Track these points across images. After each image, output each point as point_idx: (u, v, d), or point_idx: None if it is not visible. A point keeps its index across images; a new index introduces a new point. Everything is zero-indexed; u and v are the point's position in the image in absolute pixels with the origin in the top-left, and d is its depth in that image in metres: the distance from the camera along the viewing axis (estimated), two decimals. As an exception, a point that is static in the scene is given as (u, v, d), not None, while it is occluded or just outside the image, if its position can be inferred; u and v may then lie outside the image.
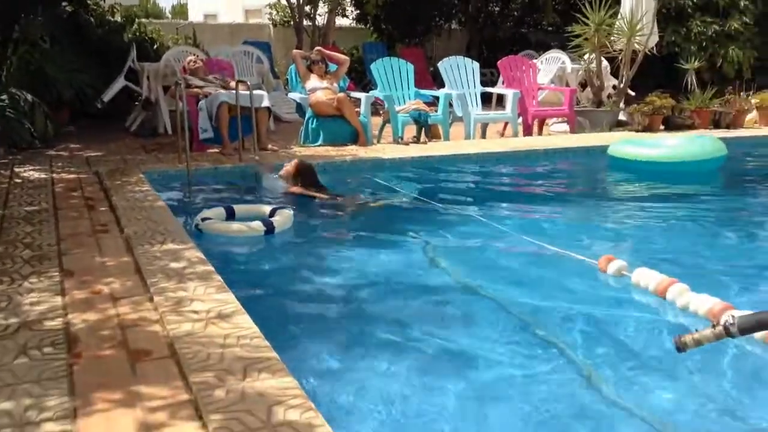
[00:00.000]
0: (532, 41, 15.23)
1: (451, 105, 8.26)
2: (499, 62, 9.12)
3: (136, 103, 8.95)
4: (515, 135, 8.43)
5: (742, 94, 9.24)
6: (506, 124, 8.83)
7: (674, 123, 8.72)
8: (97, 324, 2.56)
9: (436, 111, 8.09)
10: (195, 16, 26.57)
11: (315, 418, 1.89)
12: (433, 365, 2.75)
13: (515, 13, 16.81)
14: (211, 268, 3.17)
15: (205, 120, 6.74)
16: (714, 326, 1.93)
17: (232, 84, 6.95)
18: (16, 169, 5.70)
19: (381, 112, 8.56)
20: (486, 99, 9.06)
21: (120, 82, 8.57)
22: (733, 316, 1.84)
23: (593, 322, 3.17)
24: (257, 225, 4.22)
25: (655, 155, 6.32)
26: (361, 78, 13.10)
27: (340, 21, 15.73)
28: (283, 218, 4.35)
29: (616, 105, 9.08)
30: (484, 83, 9.05)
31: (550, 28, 15.63)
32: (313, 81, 7.56)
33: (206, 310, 2.66)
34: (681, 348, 1.98)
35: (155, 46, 10.81)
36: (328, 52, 8.09)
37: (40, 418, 1.92)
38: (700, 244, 4.51)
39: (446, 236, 4.59)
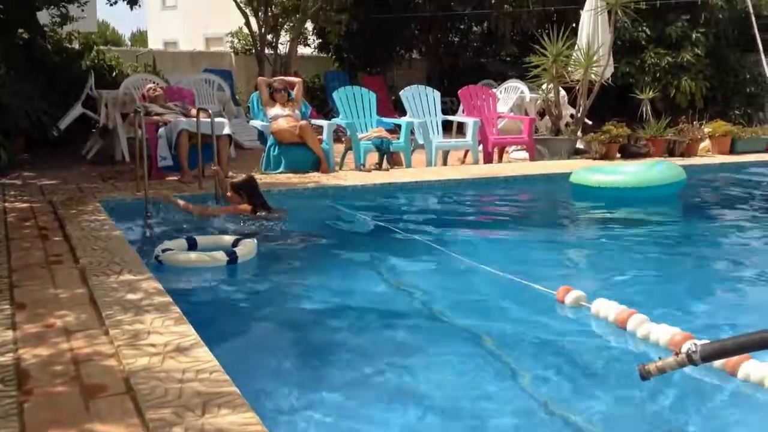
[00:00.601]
0: (491, 71, 15.49)
1: (412, 133, 8.32)
2: (459, 91, 9.24)
3: (93, 130, 8.80)
4: (476, 162, 8.52)
5: (695, 123, 9.52)
6: (467, 151, 8.92)
7: (630, 151, 8.93)
8: (49, 359, 2.47)
9: (398, 138, 8.14)
10: (155, 43, 26.40)
11: (277, 454, 1.84)
12: (395, 395, 2.71)
13: (474, 43, 17.12)
14: (169, 299, 3.09)
15: (165, 148, 6.65)
16: (677, 354, 1.94)
17: (193, 112, 6.89)
18: (-33, 198, 5.53)
19: (343, 139, 8.57)
20: (446, 127, 9.15)
21: (77, 110, 8.43)
22: (695, 344, 1.85)
23: (553, 353, 3.16)
24: (220, 255, 4.14)
25: (617, 181, 6.44)
26: (323, 106, 13.13)
27: (302, 50, 15.80)
28: (247, 248, 4.28)
29: (573, 133, 9.26)
30: (444, 111, 9.15)
31: (508, 59, 15.93)
32: (275, 109, 7.55)
33: (164, 343, 2.58)
34: (645, 376, 1.99)
35: (114, 74, 10.68)
36: (287, 78, 8.13)
37: (-15, 461, 1.83)
38: (661, 270, 4.57)
39: (408, 263, 4.58)
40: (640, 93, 10.20)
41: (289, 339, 3.30)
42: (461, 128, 10.03)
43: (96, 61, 10.69)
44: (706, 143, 9.45)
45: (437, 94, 8.90)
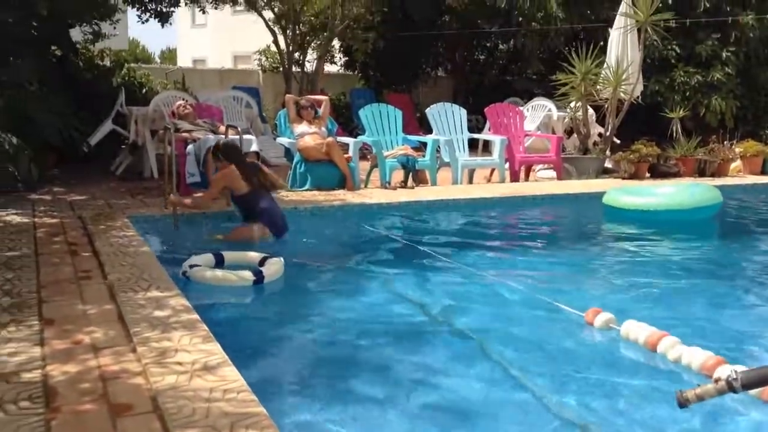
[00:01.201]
0: (518, 89, 15.44)
1: (438, 150, 8.30)
2: (486, 109, 9.21)
3: (123, 146, 8.91)
4: (502, 181, 8.46)
5: (725, 143, 9.37)
6: (493, 170, 8.86)
7: (660, 171, 8.81)
8: (77, 376, 2.46)
9: (423, 156, 8.12)
10: (184, 61, 26.79)
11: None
12: (423, 415, 2.68)
13: (501, 61, 17.08)
14: (196, 316, 3.09)
15: (193, 164, 6.69)
16: (716, 381, 1.88)
17: (222, 128, 6.95)
18: (-2, 213, 5.61)
19: (368, 156, 8.58)
20: (472, 145, 9.12)
21: (107, 126, 8.54)
22: (735, 371, 1.79)
23: (582, 375, 3.09)
24: (246, 274, 4.12)
25: (652, 204, 6.32)
26: (348, 123, 13.18)
27: (329, 67, 15.90)
28: (274, 268, 4.26)
29: (602, 152, 9.16)
30: (470, 129, 9.12)
31: (534, 76, 15.87)
32: (302, 126, 7.59)
33: (191, 361, 2.57)
34: (683, 403, 1.92)
35: (144, 91, 10.84)
36: (314, 97, 8.19)
37: (13, 480, 1.82)
38: (694, 294, 4.45)
39: (433, 282, 4.54)
40: (670, 112, 10.07)
41: (315, 358, 3.27)
42: (487, 146, 9.99)
43: (126, 78, 10.87)
44: (737, 163, 9.29)
45: (463, 112, 8.87)
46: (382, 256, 5.27)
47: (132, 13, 10.83)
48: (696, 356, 3.06)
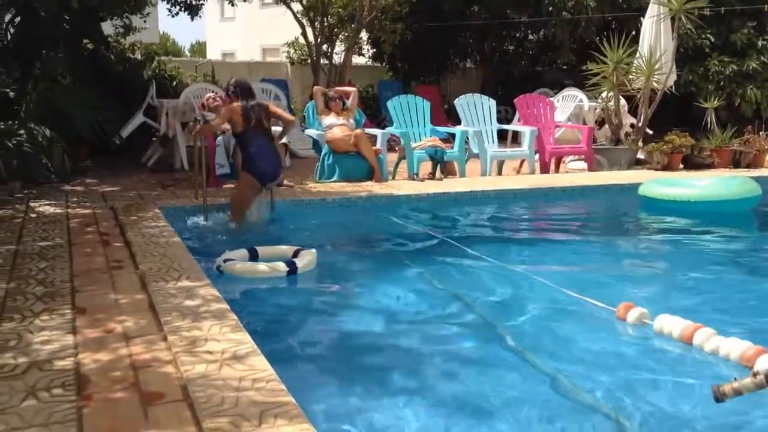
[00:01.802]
0: (547, 79, 15.27)
1: (467, 142, 8.23)
2: (516, 100, 9.11)
3: (154, 139, 9.00)
4: (532, 172, 8.37)
5: (761, 133, 9.15)
6: (522, 161, 8.78)
7: (694, 162, 8.63)
8: (108, 364, 2.48)
9: (451, 148, 8.06)
10: (213, 54, 26.98)
11: (334, 469, 1.80)
12: (452, 407, 2.65)
13: (530, 51, 16.90)
14: (226, 306, 3.10)
15: (222, 156, 6.73)
16: (755, 375, 1.83)
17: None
18: (32, 204, 5.70)
19: (396, 148, 8.55)
20: (501, 136, 9.03)
21: (139, 118, 8.64)
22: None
23: (615, 371, 3.03)
24: (280, 266, 4.13)
25: (690, 195, 6.19)
26: (375, 115, 13.16)
27: (357, 59, 15.88)
28: (307, 259, 4.27)
29: (634, 143, 9.01)
30: (498, 120, 9.04)
31: (564, 67, 15.67)
32: (330, 118, 7.59)
33: (221, 350, 2.58)
34: (719, 398, 1.88)
35: (174, 83, 10.93)
36: (342, 88, 8.19)
37: (46, 465, 1.84)
38: (731, 288, 4.34)
39: (463, 274, 4.50)
40: (704, 102, 9.87)
41: (345, 349, 3.26)
42: (516, 137, 9.88)
43: (157, 71, 10.96)
44: (773, 154, 9.07)
45: (493, 103, 8.79)
46: (411, 248, 5.24)
47: (162, 7, 10.94)
48: (735, 347, 2.98)
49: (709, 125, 9.41)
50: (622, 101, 9.63)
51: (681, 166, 8.59)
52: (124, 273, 3.69)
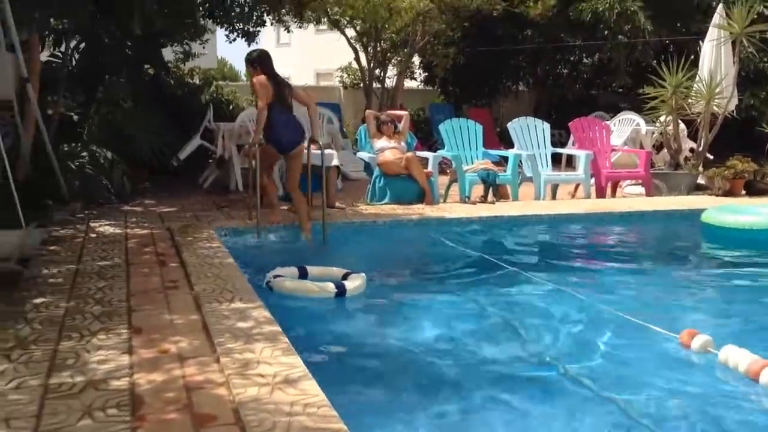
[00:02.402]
0: (602, 103, 15.03)
1: (520, 165, 8.14)
2: (570, 123, 8.98)
3: (210, 161, 9.17)
4: (587, 197, 8.20)
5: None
6: (578, 185, 8.62)
7: (757, 188, 8.33)
8: (162, 385, 2.50)
9: (504, 171, 7.98)
10: (268, 78, 27.48)
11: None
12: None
13: (585, 75, 16.69)
14: (278, 328, 3.09)
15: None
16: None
17: (304, 144, 7.03)
18: (92, 224, 5.85)
19: (448, 171, 8.51)
20: (555, 160, 8.91)
21: (196, 141, 8.82)
22: None
23: (677, 401, 2.91)
24: (329, 286, 4.13)
25: (756, 223, 5.93)
26: (427, 138, 13.15)
27: (409, 83, 15.96)
28: (356, 282, 4.26)
29: (694, 168, 8.76)
30: (552, 144, 8.91)
31: (620, 90, 15.41)
32: (382, 141, 7.61)
33: (272, 374, 2.57)
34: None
35: (231, 107, 11.16)
36: (394, 112, 8.26)
37: (100, 486, 1.84)
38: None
39: (516, 299, 4.42)
40: (767, 126, 9.53)
41: (396, 375, 3.22)
42: (570, 162, 9.75)
43: (214, 95, 11.22)
44: (841, 181, 8.69)
45: (547, 126, 8.68)
46: (462, 272, 5.18)
47: (220, 33, 11.20)
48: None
49: (772, 150, 9.09)
50: (682, 125, 9.40)
51: (743, 192, 8.30)
52: (179, 293, 3.74)
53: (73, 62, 8.44)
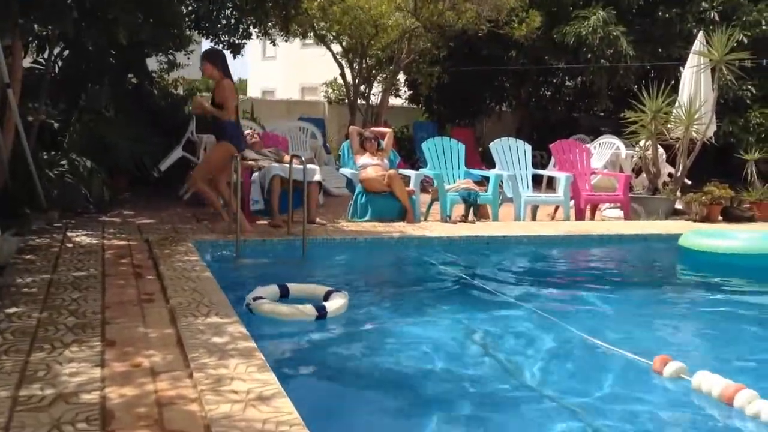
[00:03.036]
0: (584, 125, 15.21)
1: (501, 185, 8.19)
2: (552, 145, 9.07)
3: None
4: (567, 219, 8.27)
5: (804, 187, 8.95)
6: (557, 207, 8.69)
7: (733, 214, 8.46)
8: (134, 399, 2.47)
9: (485, 191, 8.03)
10: (254, 91, 27.50)
11: None
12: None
13: (567, 98, 16.89)
14: (253, 344, 3.07)
15: (257, 191, 6.81)
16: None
17: (287, 158, 7.04)
18: (69, 234, 5.78)
19: (429, 189, 8.54)
20: (536, 181, 8.98)
21: (177, 152, 8.78)
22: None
23: (651, 427, 2.93)
24: (309, 309, 4.07)
25: (734, 248, 5.99)
26: (409, 156, 13.21)
27: (393, 100, 16.04)
28: (338, 303, 4.20)
29: (672, 193, 8.87)
30: (533, 165, 8.99)
31: (602, 114, 15.61)
32: (365, 157, 7.63)
33: (246, 390, 2.55)
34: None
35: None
36: (377, 129, 8.29)
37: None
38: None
39: (494, 321, 4.42)
40: (744, 154, 9.70)
41: (373, 397, 3.20)
42: (551, 183, 9.82)
43: (197, 107, 11.16)
44: (817, 209, 8.84)
45: (528, 147, 8.76)
46: (442, 291, 5.19)
47: (206, 45, 11.19)
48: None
49: (749, 177, 9.24)
50: (661, 150, 9.53)
51: (720, 218, 8.42)
52: (155, 306, 3.70)
53: (56, 69, 8.39)
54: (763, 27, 12.10)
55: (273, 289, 4.39)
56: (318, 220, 6.95)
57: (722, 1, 12.22)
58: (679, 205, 8.93)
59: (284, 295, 4.40)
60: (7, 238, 5.21)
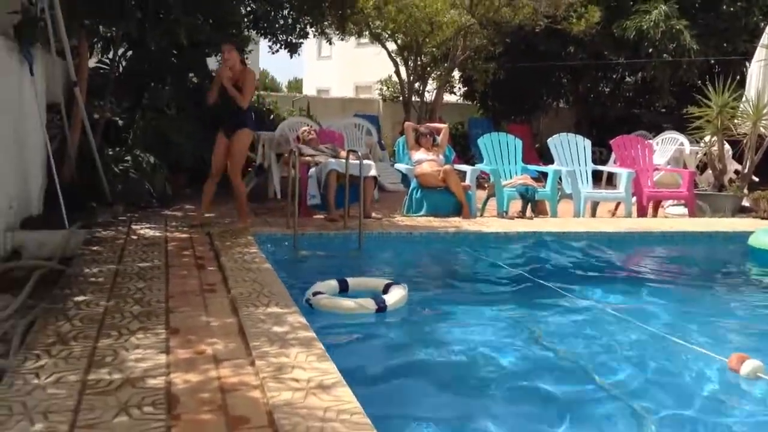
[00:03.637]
0: (645, 122, 14.83)
1: (559, 182, 8.04)
2: (612, 141, 8.87)
3: (250, 169, 9.26)
4: (628, 215, 8.06)
5: None
6: (618, 204, 8.49)
7: (804, 211, 8.10)
8: (198, 385, 2.51)
9: (543, 187, 7.90)
10: (309, 91, 27.77)
11: None
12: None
13: (627, 93, 16.49)
14: (313, 334, 3.09)
15: (314, 187, 6.86)
16: None
17: (343, 153, 7.08)
18: (134, 227, 5.94)
19: (485, 185, 8.45)
20: (596, 177, 8.78)
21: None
22: None
23: (725, 427, 2.82)
24: (369, 303, 4.06)
25: None
26: (464, 152, 13.12)
27: (448, 97, 15.96)
28: (397, 296, 4.19)
29: (739, 190, 8.56)
30: (593, 162, 8.80)
31: (663, 110, 15.19)
32: (420, 153, 7.60)
33: (307, 378, 2.56)
34: None
35: (272, 117, 11.27)
36: (433, 125, 8.25)
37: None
38: None
39: (556, 317, 4.33)
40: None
41: (431, 389, 3.16)
42: (611, 179, 9.60)
43: (256, 105, 11.34)
44: None
45: (588, 143, 8.58)
46: (499, 287, 5.11)
47: (264, 44, 11.35)
48: None
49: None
50: (727, 146, 9.20)
51: (790, 215, 8.08)
52: (217, 296, 3.76)
53: (120, 69, 8.63)
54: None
55: (332, 283, 4.39)
56: (374, 214, 6.97)
57: (791, -8, 11.76)
58: (746, 203, 8.61)
59: (344, 290, 4.40)
60: (75, 230, 5.39)
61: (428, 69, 14.30)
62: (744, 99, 8.98)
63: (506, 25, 12.43)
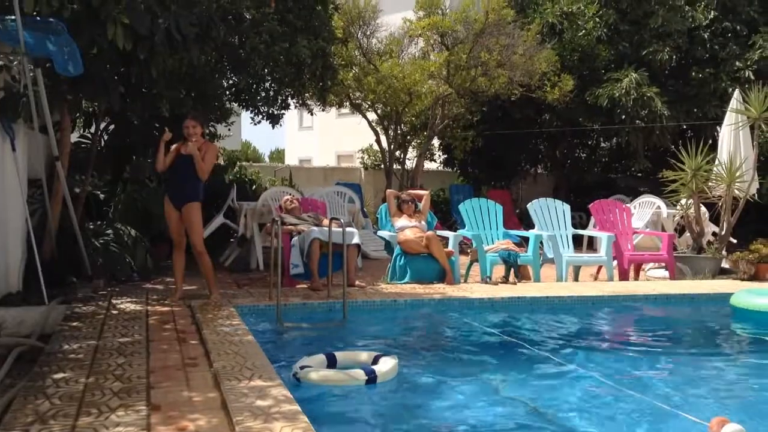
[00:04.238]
0: (622, 186, 15.10)
1: (541, 246, 8.11)
2: (591, 205, 9.00)
3: (232, 240, 9.25)
4: (610, 279, 8.11)
5: None
6: (600, 267, 8.55)
7: (783, 272, 8.20)
8: (180, 464, 2.44)
9: (525, 251, 7.95)
10: (291, 160, 28.07)
11: None
12: None
13: (603, 159, 16.84)
14: (297, 407, 3.03)
15: (297, 256, 6.85)
16: None
17: (325, 222, 7.11)
18: (114, 301, 5.86)
19: (468, 251, 8.48)
20: (576, 242, 8.86)
21: (219, 220, 8.93)
22: None
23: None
24: (359, 374, 4.00)
25: None
26: (446, 218, 13.22)
27: (428, 165, 16.18)
28: (387, 367, 4.12)
29: (718, 252, 8.67)
30: (573, 226, 8.90)
31: (639, 174, 15.50)
32: (403, 220, 7.66)
33: (293, 454, 2.50)
34: None
35: (254, 187, 11.33)
36: (414, 191, 8.34)
37: None
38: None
39: (542, 384, 4.30)
40: (790, 210, 9.49)
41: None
42: (591, 243, 9.70)
43: (238, 175, 11.42)
44: None
45: (567, 207, 8.70)
46: (487, 353, 5.07)
47: (246, 116, 11.51)
48: None
49: (797, 234, 9.00)
50: (703, 209, 9.37)
51: (769, 275, 8.18)
52: (199, 370, 3.70)
53: (102, 142, 8.69)
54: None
55: (320, 358, 4.29)
56: (357, 282, 6.95)
57: (756, 59, 12.20)
58: (725, 264, 8.71)
59: (332, 364, 4.31)
60: (54, 306, 5.31)
61: (408, 137, 14.56)
62: (717, 162, 9.21)
63: (482, 94, 12.75)
